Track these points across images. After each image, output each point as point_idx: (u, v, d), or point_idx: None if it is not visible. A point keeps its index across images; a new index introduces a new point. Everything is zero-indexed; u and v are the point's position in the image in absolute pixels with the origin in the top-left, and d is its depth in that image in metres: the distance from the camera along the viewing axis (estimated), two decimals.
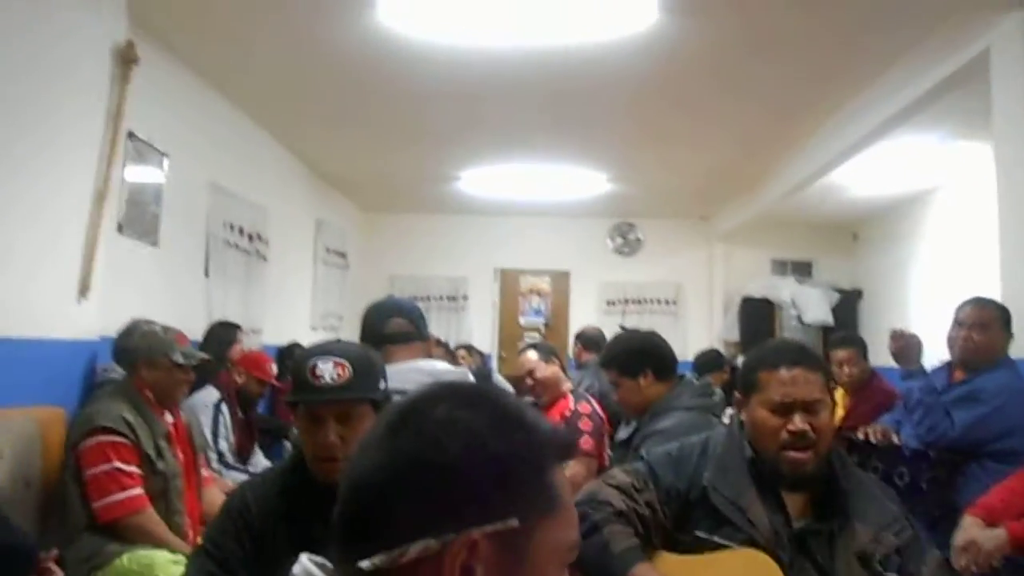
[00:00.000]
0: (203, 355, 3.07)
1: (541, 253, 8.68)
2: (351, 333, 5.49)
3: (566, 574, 0.70)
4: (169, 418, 2.94)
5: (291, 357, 4.84)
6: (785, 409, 1.57)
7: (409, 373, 1.90)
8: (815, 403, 1.58)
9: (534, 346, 3.98)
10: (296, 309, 6.48)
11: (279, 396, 4.51)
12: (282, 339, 5.49)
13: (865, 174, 6.04)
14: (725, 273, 8.39)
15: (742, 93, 4.72)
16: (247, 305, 5.16)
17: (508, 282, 8.98)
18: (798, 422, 1.55)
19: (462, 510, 0.64)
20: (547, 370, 3.77)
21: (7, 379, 2.75)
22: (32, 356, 2.91)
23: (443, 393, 0.72)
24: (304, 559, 0.69)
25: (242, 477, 3.51)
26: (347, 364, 1.54)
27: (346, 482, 0.69)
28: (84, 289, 3.29)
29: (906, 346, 3.04)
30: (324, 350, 1.58)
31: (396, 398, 1.83)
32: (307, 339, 5.85)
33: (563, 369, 3.91)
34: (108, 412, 2.71)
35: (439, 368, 1.97)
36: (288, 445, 4.42)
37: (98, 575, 2.48)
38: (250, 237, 5.29)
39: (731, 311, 8.18)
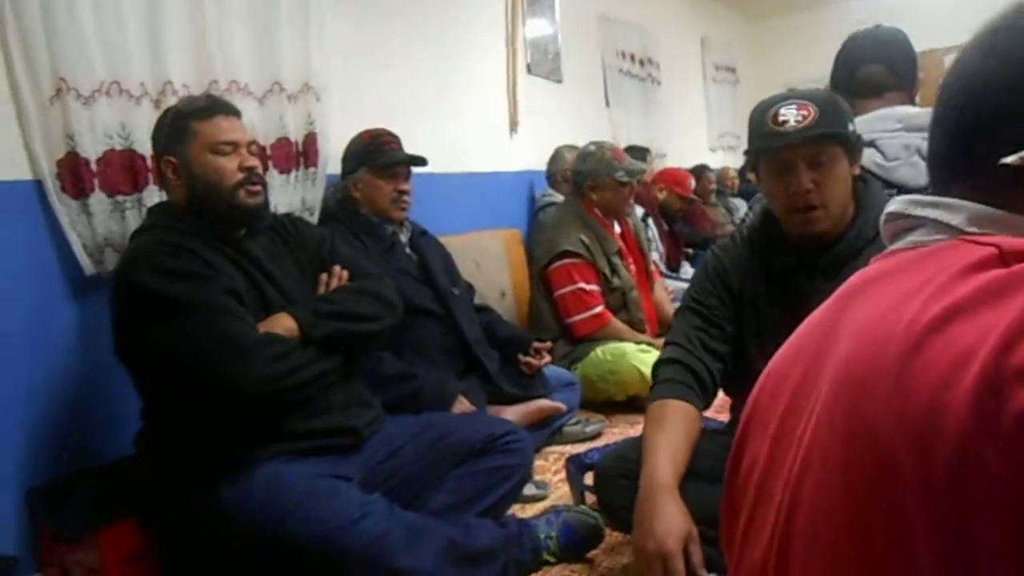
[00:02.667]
0: (643, 167, 3.15)
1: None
2: None
3: None
4: (617, 229, 3.13)
5: (700, 180, 4.84)
6: None
7: (875, 122, 1.72)
8: None
9: None
10: (692, 131, 6.41)
11: (697, 211, 4.56)
12: (684, 162, 5.48)
13: None
14: None
15: None
16: (648, 130, 5.22)
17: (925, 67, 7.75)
18: None
19: None
20: None
21: (472, 208, 3.18)
22: (487, 187, 3.31)
23: None
24: (898, 200, 0.62)
25: (676, 284, 3.66)
26: (811, 105, 1.42)
27: (951, 89, 0.61)
28: (513, 125, 3.60)
29: None
30: (783, 97, 1.48)
31: (867, 150, 1.64)
32: (708, 161, 5.81)
33: None
34: (568, 236, 2.97)
35: (911, 112, 1.73)
36: None
37: (578, 367, 2.82)
38: (641, 63, 5.28)
39: None
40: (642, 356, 2.77)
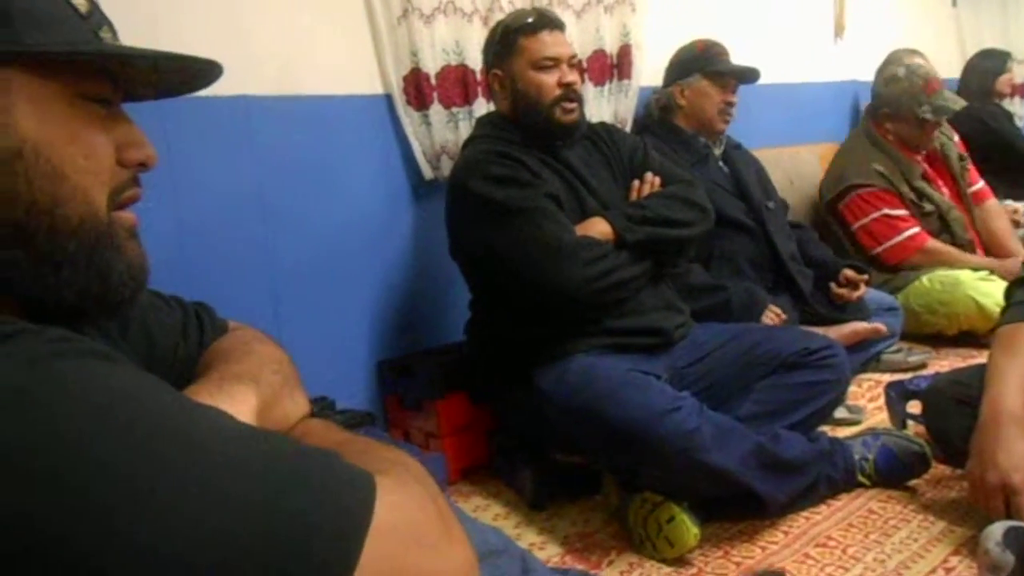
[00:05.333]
0: (953, 108, 2.71)
1: None
2: None
3: None
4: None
5: None
6: None
7: None
8: None
9: None
10: None
11: None
12: None
13: None
14: None
15: None
16: (1006, 31, 4.47)
17: None
18: None
19: None
20: None
21: (788, 121, 3.00)
22: (805, 98, 3.10)
23: None
24: None
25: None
26: None
27: None
28: (839, 29, 3.30)
29: None
30: None
31: None
32: None
33: None
34: (857, 168, 2.71)
35: None
36: None
37: (898, 296, 2.55)
38: None
39: None
40: (981, 285, 2.44)
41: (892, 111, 2.72)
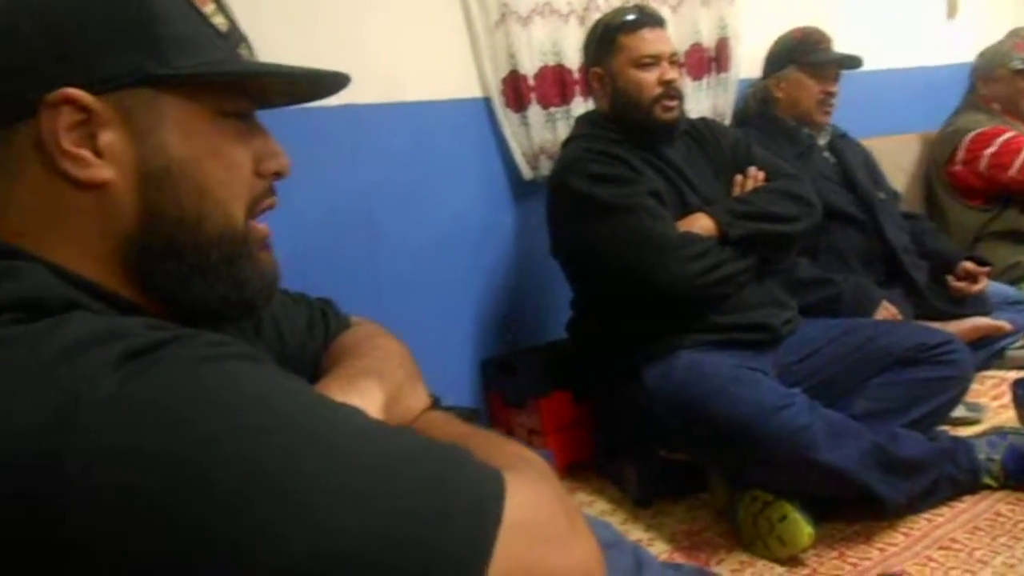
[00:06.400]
0: None
1: None
2: None
3: None
4: None
5: None
6: None
7: None
8: None
9: None
10: None
11: None
12: None
13: None
14: None
15: None
16: None
17: None
18: None
19: None
20: None
21: (900, 107, 2.88)
22: (917, 83, 2.97)
23: None
24: None
25: None
26: None
27: None
28: (952, 9, 3.14)
29: None
30: None
31: None
32: None
33: None
34: (967, 119, 2.64)
35: None
36: None
37: (1022, 287, 2.41)
38: None
39: None
40: None
41: (985, 73, 2.70)
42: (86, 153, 0.53)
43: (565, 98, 2.15)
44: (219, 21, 0.60)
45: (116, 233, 0.55)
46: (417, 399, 0.74)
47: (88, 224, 0.54)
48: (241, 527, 0.42)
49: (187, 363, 0.45)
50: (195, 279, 0.58)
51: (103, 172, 0.54)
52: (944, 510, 1.53)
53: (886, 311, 1.95)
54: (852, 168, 2.26)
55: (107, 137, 0.54)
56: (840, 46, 2.31)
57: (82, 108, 0.52)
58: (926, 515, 1.52)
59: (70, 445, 0.40)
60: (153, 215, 0.55)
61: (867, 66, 2.32)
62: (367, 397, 0.67)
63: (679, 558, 1.49)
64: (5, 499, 0.40)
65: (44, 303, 0.48)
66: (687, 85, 2.40)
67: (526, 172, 2.12)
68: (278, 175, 0.64)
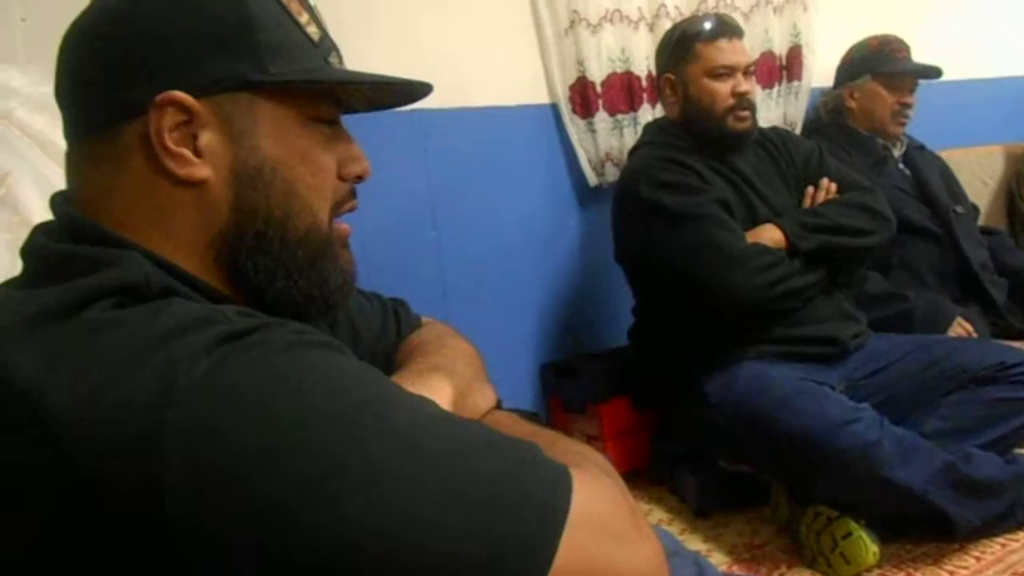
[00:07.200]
0: None
1: None
2: None
3: None
4: None
5: None
6: None
7: None
8: None
9: None
10: None
11: None
12: None
13: None
14: None
15: None
16: None
17: None
18: None
19: None
20: None
21: (982, 118, 2.80)
22: (1002, 93, 2.89)
23: None
24: None
25: None
26: None
27: None
28: None
29: None
30: None
31: None
32: None
33: None
34: None
35: None
36: None
37: None
38: None
39: None
40: None
41: None
42: (187, 152, 0.56)
43: (632, 105, 2.14)
44: (312, 31, 0.62)
45: (210, 228, 0.58)
46: (484, 398, 0.76)
47: (185, 218, 0.57)
48: (316, 509, 0.43)
49: (274, 349, 0.47)
50: (281, 274, 0.60)
51: (202, 171, 0.57)
52: (1020, 535, 1.47)
53: (961, 328, 1.89)
54: (928, 180, 2.19)
55: (206, 138, 0.57)
56: (919, 55, 2.25)
57: (185, 110, 0.55)
58: (1000, 539, 1.46)
59: (168, 424, 0.43)
60: (245, 212, 0.58)
61: (947, 76, 2.26)
62: (437, 391, 0.69)
63: (738, 571, 1.47)
64: (115, 477, 0.43)
65: (144, 289, 0.51)
66: (758, 94, 2.36)
67: (592, 178, 2.12)
68: (360, 179, 0.66)
